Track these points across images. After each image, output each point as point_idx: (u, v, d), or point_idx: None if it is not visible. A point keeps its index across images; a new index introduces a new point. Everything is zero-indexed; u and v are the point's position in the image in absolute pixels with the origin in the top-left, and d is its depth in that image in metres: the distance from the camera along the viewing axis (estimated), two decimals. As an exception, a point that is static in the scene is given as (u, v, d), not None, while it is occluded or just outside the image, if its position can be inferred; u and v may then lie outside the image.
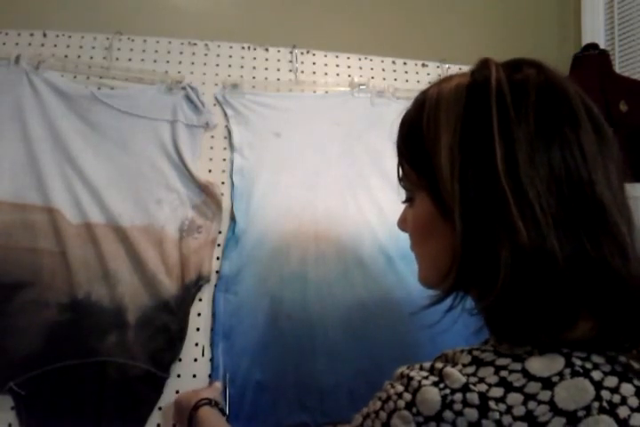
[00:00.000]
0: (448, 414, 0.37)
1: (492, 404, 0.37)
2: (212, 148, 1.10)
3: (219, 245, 1.02)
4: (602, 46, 1.37)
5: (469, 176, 0.43)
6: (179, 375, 0.94)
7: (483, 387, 0.38)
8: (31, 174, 0.98)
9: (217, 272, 1.00)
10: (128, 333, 0.92)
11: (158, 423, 0.90)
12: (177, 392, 0.92)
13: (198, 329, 0.96)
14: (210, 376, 0.94)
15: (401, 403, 0.40)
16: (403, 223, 0.57)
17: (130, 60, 1.13)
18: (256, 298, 0.98)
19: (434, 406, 0.38)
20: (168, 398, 0.92)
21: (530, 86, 0.44)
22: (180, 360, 0.93)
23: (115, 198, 0.99)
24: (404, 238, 0.59)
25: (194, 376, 0.94)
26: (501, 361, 0.39)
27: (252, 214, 1.04)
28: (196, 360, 0.95)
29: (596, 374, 0.38)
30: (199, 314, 0.97)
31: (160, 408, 0.91)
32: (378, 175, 1.12)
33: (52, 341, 0.89)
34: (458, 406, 0.37)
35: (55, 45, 1.11)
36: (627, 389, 0.38)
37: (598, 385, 0.37)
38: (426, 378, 0.40)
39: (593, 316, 0.40)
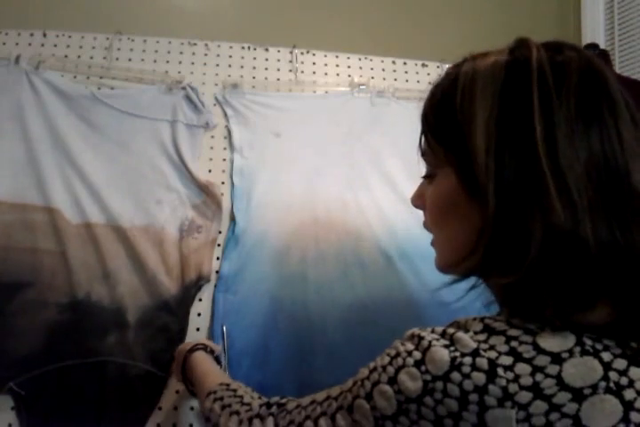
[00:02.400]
0: (456, 376, 0.37)
1: (500, 371, 0.37)
2: (212, 148, 1.10)
3: (219, 245, 1.02)
4: (602, 46, 1.37)
5: (506, 154, 0.42)
6: (179, 375, 0.94)
7: (492, 354, 0.38)
8: (31, 174, 0.98)
9: (217, 272, 1.00)
10: (128, 333, 0.92)
11: (158, 423, 0.90)
12: (177, 392, 0.92)
13: (198, 329, 0.96)
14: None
15: (410, 360, 0.40)
16: (418, 199, 0.55)
17: (130, 60, 1.13)
18: (256, 298, 0.98)
19: (442, 366, 0.38)
20: (168, 398, 0.92)
21: (572, 68, 0.44)
22: (179, 360, 0.93)
23: (115, 198, 0.99)
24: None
25: (194, 376, 0.94)
26: (513, 332, 0.39)
27: (252, 214, 1.04)
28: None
29: (606, 356, 0.38)
30: (199, 314, 0.97)
31: (160, 408, 0.91)
32: (378, 175, 1.12)
33: (51, 341, 0.89)
34: (466, 369, 0.37)
35: (55, 45, 1.11)
36: (635, 372, 0.38)
37: (607, 366, 0.37)
38: (437, 340, 0.40)
39: (612, 302, 0.40)
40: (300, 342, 0.96)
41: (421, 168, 0.54)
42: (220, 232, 1.03)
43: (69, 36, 1.12)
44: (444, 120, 0.48)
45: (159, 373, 0.91)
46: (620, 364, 0.38)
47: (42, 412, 0.86)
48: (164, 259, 0.97)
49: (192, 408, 0.92)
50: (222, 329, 0.93)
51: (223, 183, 1.07)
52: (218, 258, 1.01)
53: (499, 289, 0.45)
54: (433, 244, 0.53)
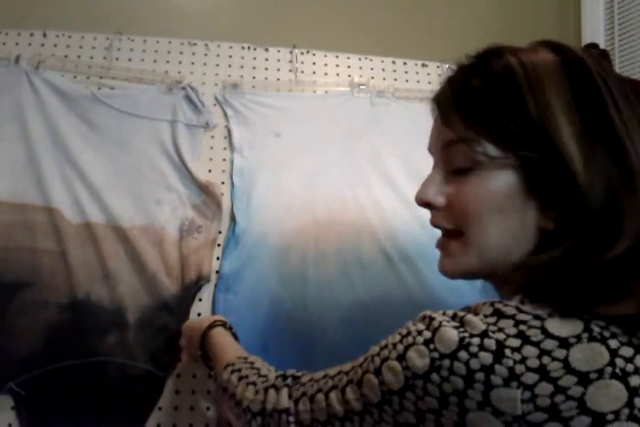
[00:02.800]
0: (463, 355, 0.38)
1: (507, 352, 0.37)
2: (212, 148, 1.10)
3: (219, 245, 1.02)
4: (602, 46, 1.37)
5: (597, 147, 0.43)
6: (178, 375, 0.94)
7: (501, 336, 0.39)
8: (31, 174, 0.98)
9: (217, 272, 1.00)
10: (128, 333, 0.92)
11: (158, 423, 0.90)
12: (177, 393, 0.92)
13: (198, 329, 0.96)
14: (210, 376, 0.93)
15: (419, 339, 0.41)
16: (438, 197, 0.50)
17: (130, 60, 1.13)
18: (256, 298, 0.98)
19: (451, 344, 0.39)
20: (168, 398, 0.92)
21: (610, 71, 0.47)
22: (179, 360, 0.93)
23: (115, 198, 0.99)
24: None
25: (194, 376, 0.94)
26: (522, 317, 0.40)
27: (252, 214, 1.04)
28: (196, 360, 0.95)
29: (613, 343, 0.39)
30: (199, 314, 0.97)
31: (160, 408, 0.91)
32: (378, 175, 1.12)
33: (51, 341, 0.89)
34: (474, 349, 0.38)
35: (55, 45, 1.11)
36: None
37: (613, 353, 0.38)
38: (447, 321, 0.41)
39: None
40: (299, 342, 0.96)
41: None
42: (220, 232, 1.03)
43: (69, 36, 1.12)
44: (513, 119, 0.45)
45: (159, 373, 0.91)
46: (627, 351, 0.39)
47: (42, 412, 0.86)
48: (163, 259, 0.97)
49: (192, 408, 0.92)
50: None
51: (223, 183, 1.07)
52: (218, 258, 1.01)
53: (518, 279, 0.45)
54: (440, 246, 0.52)
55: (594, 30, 1.46)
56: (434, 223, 0.52)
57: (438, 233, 0.53)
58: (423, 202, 0.51)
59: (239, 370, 0.64)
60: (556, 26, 1.54)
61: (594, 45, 1.34)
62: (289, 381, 0.56)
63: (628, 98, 0.46)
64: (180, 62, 1.15)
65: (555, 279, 0.42)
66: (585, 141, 0.43)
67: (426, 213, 0.53)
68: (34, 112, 1.02)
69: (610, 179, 0.42)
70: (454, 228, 0.49)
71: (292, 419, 0.51)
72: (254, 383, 0.58)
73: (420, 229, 1.06)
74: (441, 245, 0.52)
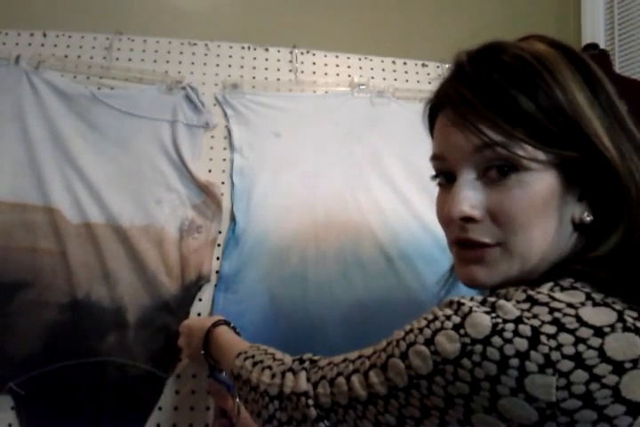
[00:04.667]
0: (497, 340, 0.38)
1: (543, 338, 0.37)
2: (212, 148, 1.10)
3: (219, 245, 1.02)
4: (602, 46, 1.37)
5: (623, 140, 0.45)
6: (178, 375, 0.94)
7: (536, 322, 0.38)
8: (31, 174, 0.98)
9: (217, 272, 1.00)
10: (128, 333, 0.92)
11: (158, 423, 0.90)
12: (177, 393, 0.92)
13: (198, 329, 0.96)
14: (209, 376, 0.93)
15: (448, 324, 0.40)
16: (475, 209, 0.46)
17: (130, 60, 1.13)
18: (256, 298, 0.98)
19: (483, 330, 0.39)
20: (168, 398, 0.92)
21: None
22: (179, 360, 0.93)
23: (115, 198, 0.99)
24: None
25: (194, 376, 0.94)
26: (556, 304, 0.39)
27: (252, 214, 1.04)
28: (195, 360, 0.95)
29: None
30: (199, 314, 0.97)
31: (160, 408, 0.91)
32: (378, 175, 1.12)
33: (52, 341, 0.89)
34: (508, 335, 0.38)
35: (55, 45, 1.10)
36: None
37: None
38: (477, 307, 0.41)
39: None
40: (299, 341, 0.96)
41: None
42: (220, 232, 1.03)
43: (69, 36, 1.12)
44: (549, 114, 0.44)
45: (159, 373, 0.91)
46: None
47: (42, 412, 0.86)
48: (163, 259, 0.97)
49: (192, 408, 0.92)
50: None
51: (223, 183, 1.07)
52: (218, 258, 1.01)
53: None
54: (480, 256, 0.47)
55: (594, 30, 1.46)
56: (474, 239, 0.47)
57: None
58: (464, 217, 0.47)
59: (253, 356, 0.62)
60: (556, 26, 1.54)
61: (594, 45, 1.34)
62: (306, 364, 0.55)
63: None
64: (180, 62, 1.15)
65: (618, 269, 0.42)
66: (613, 136, 0.45)
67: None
68: (34, 112, 1.01)
69: (638, 170, 0.44)
70: (497, 241, 0.46)
71: (311, 402, 0.50)
72: (270, 367, 0.57)
73: (419, 230, 1.05)
74: (471, 255, 0.48)
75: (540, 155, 0.44)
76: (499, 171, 0.46)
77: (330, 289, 1.00)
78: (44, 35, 1.10)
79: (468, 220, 0.47)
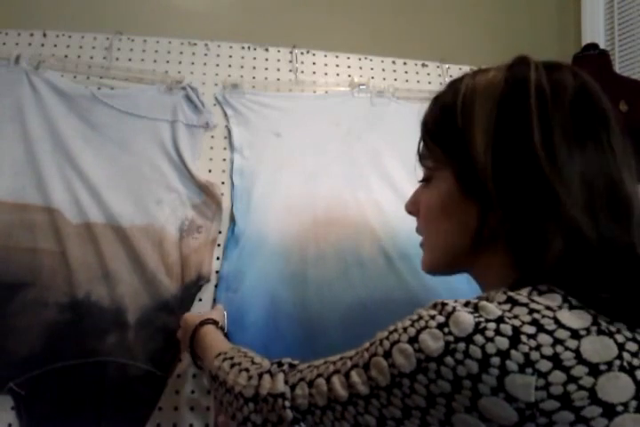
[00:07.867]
0: (479, 338, 0.39)
1: (523, 338, 0.38)
2: (212, 148, 1.10)
3: (219, 245, 1.02)
4: (602, 46, 1.37)
5: (505, 154, 0.46)
6: (178, 375, 0.94)
7: (517, 322, 0.39)
8: (31, 174, 0.98)
9: (217, 272, 1.00)
10: (128, 333, 0.92)
11: (158, 423, 0.90)
12: (177, 392, 0.92)
13: (198, 329, 0.96)
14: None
15: (432, 323, 0.41)
16: (412, 205, 0.60)
17: (130, 60, 1.13)
18: (256, 298, 0.98)
19: (466, 327, 0.39)
20: (168, 398, 0.92)
21: (568, 86, 0.48)
22: (180, 360, 0.93)
23: (115, 198, 0.99)
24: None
25: (194, 377, 0.94)
26: (535, 306, 0.41)
27: (252, 214, 1.04)
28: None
29: (619, 337, 0.40)
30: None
31: (160, 408, 0.91)
32: (378, 175, 1.12)
33: (51, 341, 0.89)
34: (490, 333, 0.39)
35: (55, 45, 1.11)
36: None
37: (621, 347, 0.39)
38: (461, 307, 0.42)
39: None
40: (299, 341, 0.96)
41: (419, 171, 0.57)
42: (220, 232, 1.03)
43: (69, 36, 1.12)
44: (444, 125, 0.52)
45: (159, 373, 0.91)
46: (632, 347, 0.40)
47: (42, 412, 0.86)
48: (163, 259, 0.97)
49: (192, 408, 0.92)
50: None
51: (223, 183, 1.07)
52: (218, 258, 1.01)
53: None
54: (422, 245, 0.58)
55: (594, 30, 1.46)
56: (416, 229, 0.59)
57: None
58: (407, 211, 0.61)
59: (231, 358, 0.62)
60: (556, 26, 1.54)
61: (594, 45, 1.34)
62: (285, 367, 0.55)
63: (585, 118, 0.47)
64: (180, 62, 1.15)
65: (580, 277, 0.43)
66: (495, 149, 0.46)
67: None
68: (34, 112, 1.02)
69: (519, 192, 0.46)
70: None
71: (287, 404, 0.49)
72: (247, 369, 0.57)
73: (419, 229, 1.06)
74: (420, 243, 0.59)
75: (439, 160, 0.53)
76: (424, 178, 0.57)
77: (330, 289, 1.00)
78: (44, 35, 1.11)
79: (410, 213, 0.60)
